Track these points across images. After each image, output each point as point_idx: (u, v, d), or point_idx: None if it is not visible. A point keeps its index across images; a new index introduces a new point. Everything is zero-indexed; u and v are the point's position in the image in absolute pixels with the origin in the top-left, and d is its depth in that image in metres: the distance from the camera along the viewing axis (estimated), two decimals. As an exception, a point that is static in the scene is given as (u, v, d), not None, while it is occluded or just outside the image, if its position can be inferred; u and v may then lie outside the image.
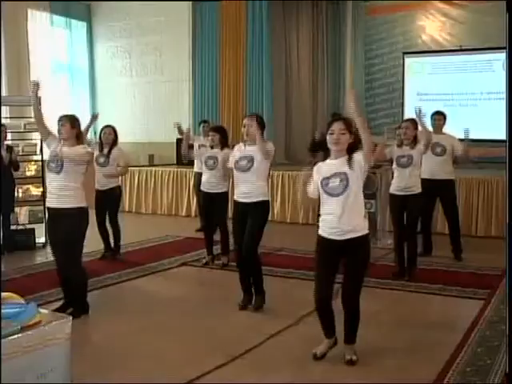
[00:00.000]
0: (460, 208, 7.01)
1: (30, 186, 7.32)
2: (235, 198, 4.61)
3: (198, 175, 6.89)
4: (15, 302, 2.26)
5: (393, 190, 5.64)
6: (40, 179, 7.26)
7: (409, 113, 10.59)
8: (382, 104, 11.18)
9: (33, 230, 7.10)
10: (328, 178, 3.36)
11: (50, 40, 11.38)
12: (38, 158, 7.40)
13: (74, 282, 4.45)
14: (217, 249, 6.18)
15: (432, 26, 10.68)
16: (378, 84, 11.21)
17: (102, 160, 6.25)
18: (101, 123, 12.29)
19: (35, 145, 7.41)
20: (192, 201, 9.28)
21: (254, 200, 4.48)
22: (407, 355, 3.66)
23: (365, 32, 11.05)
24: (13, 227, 6.99)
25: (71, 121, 4.36)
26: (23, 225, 7.19)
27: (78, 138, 4.38)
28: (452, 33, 10.51)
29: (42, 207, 7.17)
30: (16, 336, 2.11)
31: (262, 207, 4.54)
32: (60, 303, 4.54)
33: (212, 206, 6.01)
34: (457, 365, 3.46)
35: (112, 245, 6.49)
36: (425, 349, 3.75)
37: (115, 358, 3.60)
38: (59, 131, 4.34)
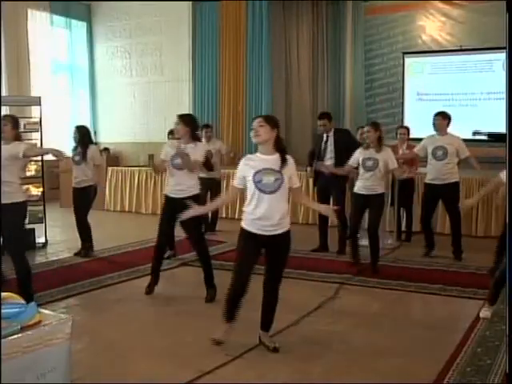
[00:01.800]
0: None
1: (29, 186, 7.32)
2: (168, 193, 4.93)
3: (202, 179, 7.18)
4: (15, 302, 2.26)
5: (356, 189, 5.85)
6: (40, 179, 7.26)
7: (409, 112, 10.62)
8: (381, 104, 11.18)
9: (33, 230, 7.09)
10: (261, 174, 3.47)
11: (50, 40, 11.38)
12: (38, 158, 7.39)
13: (19, 272, 4.52)
14: (217, 248, 6.19)
15: (432, 26, 10.67)
16: (378, 84, 11.20)
17: (77, 158, 6.47)
18: (101, 123, 12.42)
19: (35, 145, 7.41)
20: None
21: (190, 194, 4.76)
22: (407, 355, 3.66)
23: (365, 32, 11.03)
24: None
25: (13, 121, 4.61)
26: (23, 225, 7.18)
27: (17, 138, 4.60)
28: (452, 33, 10.50)
29: (42, 207, 7.17)
30: (16, 336, 2.11)
31: (196, 201, 4.78)
32: (60, 303, 4.55)
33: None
34: (457, 365, 3.46)
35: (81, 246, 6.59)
36: (425, 349, 3.75)
37: (115, 358, 3.60)
38: (1, 130, 4.52)
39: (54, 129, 10.90)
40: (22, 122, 7.60)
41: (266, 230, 3.52)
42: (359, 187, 5.80)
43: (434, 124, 6.28)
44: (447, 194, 6.24)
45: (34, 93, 10.33)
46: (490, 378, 3.27)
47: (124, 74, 12.10)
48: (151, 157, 6.07)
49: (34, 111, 8.28)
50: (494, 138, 6.38)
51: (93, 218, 6.59)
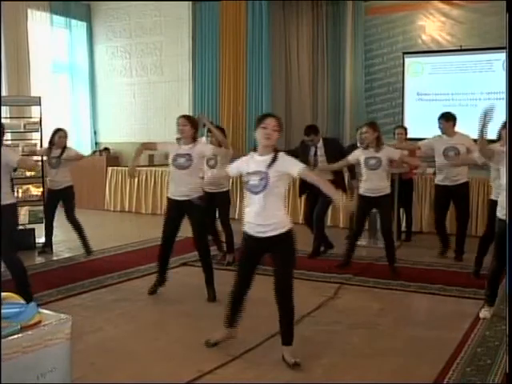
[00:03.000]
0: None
1: (29, 186, 7.32)
2: (170, 195, 4.89)
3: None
4: (15, 302, 2.25)
5: (362, 191, 5.76)
6: (40, 179, 7.26)
7: (408, 113, 10.61)
8: (381, 104, 11.18)
9: (33, 230, 7.10)
10: (250, 175, 3.44)
11: (50, 40, 11.38)
12: (38, 158, 7.40)
13: (13, 273, 4.52)
14: (214, 249, 6.18)
15: (432, 26, 10.67)
16: (378, 84, 11.19)
17: (54, 161, 6.52)
18: (101, 123, 12.41)
19: (35, 145, 7.41)
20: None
21: (191, 197, 4.73)
22: (407, 355, 3.66)
23: (365, 32, 11.02)
24: (13, 227, 6.99)
25: (1, 130, 4.70)
26: (23, 225, 7.18)
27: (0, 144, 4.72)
28: (452, 33, 10.49)
29: (42, 207, 7.17)
30: (16, 336, 2.10)
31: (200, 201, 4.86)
32: (60, 303, 4.54)
33: (212, 205, 6.07)
34: (457, 365, 3.46)
35: (82, 245, 6.61)
36: (425, 349, 3.75)
37: (115, 358, 3.60)
38: None
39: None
40: (21, 122, 7.65)
41: (259, 231, 3.45)
42: (365, 189, 5.72)
43: (441, 128, 6.21)
44: (458, 194, 6.21)
45: (34, 93, 10.33)
46: (490, 378, 3.27)
47: (124, 74, 12.09)
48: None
49: (34, 111, 8.28)
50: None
51: (93, 218, 6.61)
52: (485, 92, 10.09)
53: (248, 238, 3.53)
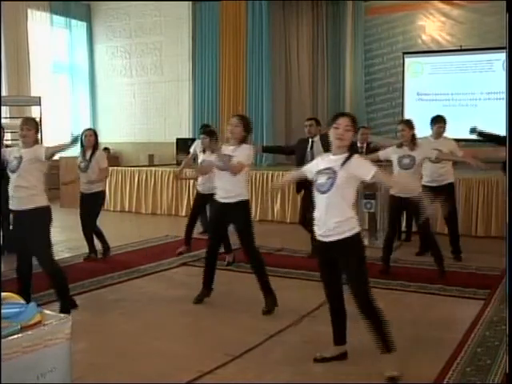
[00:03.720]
0: (460, 208, 7.02)
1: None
2: (217, 197, 4.65)
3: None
4: (15, 302, 2.25)
5: (394, 191, 5.57)
6: (40, 179, 7.25)
7: (408, 112, 10.62)
8: (381, 104, 11.19)
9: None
10: (319, 173, 3.29)
11: (50, 40, 11.39)
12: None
13: (54, 279, 4.49)
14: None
15: (432, 26, 10.68)
16: (378, 84, 11.21)
17: (83, 165, 6.26)
18: (101, 123, 12.41)
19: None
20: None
21: (234, 200, 4.51)
22: (407, 355, 3.65)
23: (365, 32, 11.05)
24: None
25: (36, 126, 4.64)
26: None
27: (37, 142, 4.64)
28: (452, 33, 10.51)
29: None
30: (16, 336, 2.11)
31: (244, 207, 4.59)
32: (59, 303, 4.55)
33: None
34: (457, 365, 3.45)
35: (100, 247, 6.47)
36: (425, 349, 3.74)
37: (115, 358, 3.60)
38: (25, 135, 4.49)
39: (54, 129, 10.91)
40: (22, 122, 7.64)
41: (323, 235, 3.30)
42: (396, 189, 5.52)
43: (436, 131, 6.17)
44: (444, 194, 6.22)
45: (34, 93, 10.33)
46: (490, 378, 3.27)
47: (124, 74, 12.11)
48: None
49: (34, 111, 8.29)
50: (485, 138, 6.39)
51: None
52: (485, 92, 10.11)
53: (317, 243, 3.40)
